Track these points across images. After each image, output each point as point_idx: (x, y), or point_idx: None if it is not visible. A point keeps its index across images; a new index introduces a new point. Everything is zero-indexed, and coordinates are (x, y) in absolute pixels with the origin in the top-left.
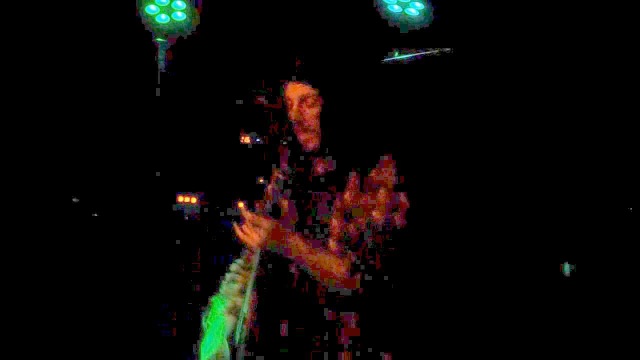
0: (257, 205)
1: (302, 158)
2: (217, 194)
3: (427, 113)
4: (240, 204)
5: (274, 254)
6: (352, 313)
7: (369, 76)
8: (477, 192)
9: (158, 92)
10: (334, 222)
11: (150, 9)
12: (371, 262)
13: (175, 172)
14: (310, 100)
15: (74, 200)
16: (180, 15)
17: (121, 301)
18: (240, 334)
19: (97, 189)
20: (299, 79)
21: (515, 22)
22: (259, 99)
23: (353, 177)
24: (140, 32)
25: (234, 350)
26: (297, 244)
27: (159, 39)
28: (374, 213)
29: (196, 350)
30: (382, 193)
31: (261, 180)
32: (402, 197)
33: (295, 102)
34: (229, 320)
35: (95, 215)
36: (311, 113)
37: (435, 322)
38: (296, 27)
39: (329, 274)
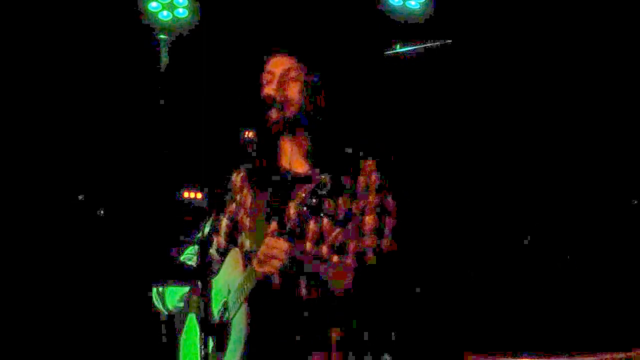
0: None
1: (270, 137)
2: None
3: (422, 107)
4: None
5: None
6: (342, 314)
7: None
8: (471, 188)
9: (160, 88)
10: (312, 225)
11: (152, 5)
12: (367, 263)
13: (178, 168)
14: (293, 74)
15: (80, 197)
16: (182, 12)
17: (124, 298)
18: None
19: (102, 185)
20: (284, 51)
21: (516, 14)
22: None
23: (342, 182)
24: (142, 28)
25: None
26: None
27: (160, 36)
28: (366, 219)
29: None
30: (371, 198)
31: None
32: (390, 200)
33: (277, 75)
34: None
35: (101, 212)
36: (294, 86)
37: (428, 319)
38: (297, 21)
39: (338, 278)
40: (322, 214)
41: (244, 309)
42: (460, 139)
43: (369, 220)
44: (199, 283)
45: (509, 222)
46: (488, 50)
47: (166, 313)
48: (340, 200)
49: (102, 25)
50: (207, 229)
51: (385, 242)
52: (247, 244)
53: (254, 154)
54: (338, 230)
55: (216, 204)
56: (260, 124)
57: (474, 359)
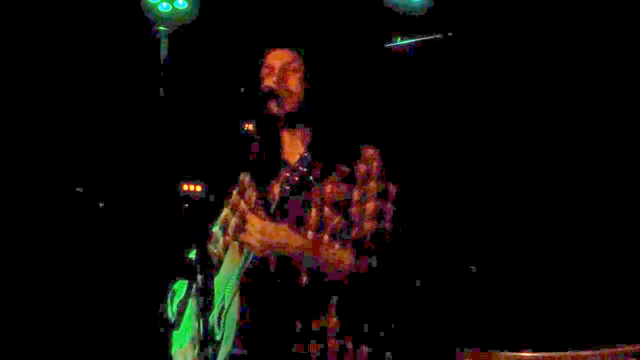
0: (234, 194)
1: (271, 131)
2: (220, 181)
3: (419, 99)
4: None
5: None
6: (337, 298)
7: (355, 57)
8: (469, 180)
9: (160, 80)
10: (314, 212)
11: None
12: (369, 250)
13: (178, 161)
14: (293, 66)
15: (78, 189)
16: (181, 4)
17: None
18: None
19: (101, 178)
20: (284, 45)
21: (516, 7)
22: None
23: (337, 169)
24: (142, 20)
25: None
26: (298, 243)
27: (161, 28)
28: (367, 205)
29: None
30: (372, 184)
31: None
32: (391, 187)
33: (277, 68)
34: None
35: (101, 205)
36: (294, 77)
37: (426, 311)
38: (297, 14)
39: (337, 266)
40: (302, 192)
41: (237, 298)
42: (460, 130)
43: (370, 207)
44: (199, 279)
45: (508, 215)
46: (490, 42)
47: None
48: (337, 185)
49: (102, 18)
50: (216, 228)
51: (386, 228)
52: None
53: (255, 149)
54: (339, 217)
55: (224, 202)
56: (260, 118)
57: (469, 353)
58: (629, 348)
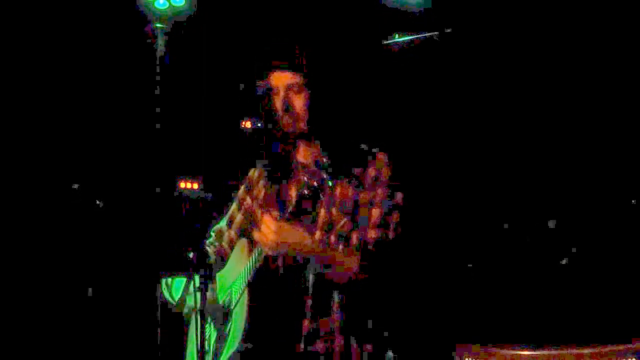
0: (243, 192)
1: (286, 144)
2: (218, 179)
3: (422, 102)
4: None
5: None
6: (340, 297)
7: (357, 63)
8: (469, 180)
9: (157, 78)
10: (323, 213)
11: None
12: (371, 256)
13: (175, 158)
14: (296, 88)
15: (74, 186)
16: (178, 0)
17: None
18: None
19: (98, 175)
20: (286, 69)
21: (513, 5)
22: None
23: (350, 172)
24: (139, 17)
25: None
26: (311, 245)
27: (157, 25)
28: (373, 211)
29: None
30: (380, 190)
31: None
32: (398, 195)
33: (282, 90)
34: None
35: (98, 202)
36: (298, 100)
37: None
38: (295, 12)
39: (344, 271)
40: (321, 197)
41: (245, 297)
42: (461, 131)
43: (375, 213)
44: (198, 275)
45: (508, 215)
46: (490, 39)
47: (174, 303)
48: (345, 188)
49: (99, 15)
50: (222, 223)
51: (390, 235)
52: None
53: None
54: (345, 219)
55: (230, 198)
56: (274, 130)
57: (468, 349)
58: (628, 346)
